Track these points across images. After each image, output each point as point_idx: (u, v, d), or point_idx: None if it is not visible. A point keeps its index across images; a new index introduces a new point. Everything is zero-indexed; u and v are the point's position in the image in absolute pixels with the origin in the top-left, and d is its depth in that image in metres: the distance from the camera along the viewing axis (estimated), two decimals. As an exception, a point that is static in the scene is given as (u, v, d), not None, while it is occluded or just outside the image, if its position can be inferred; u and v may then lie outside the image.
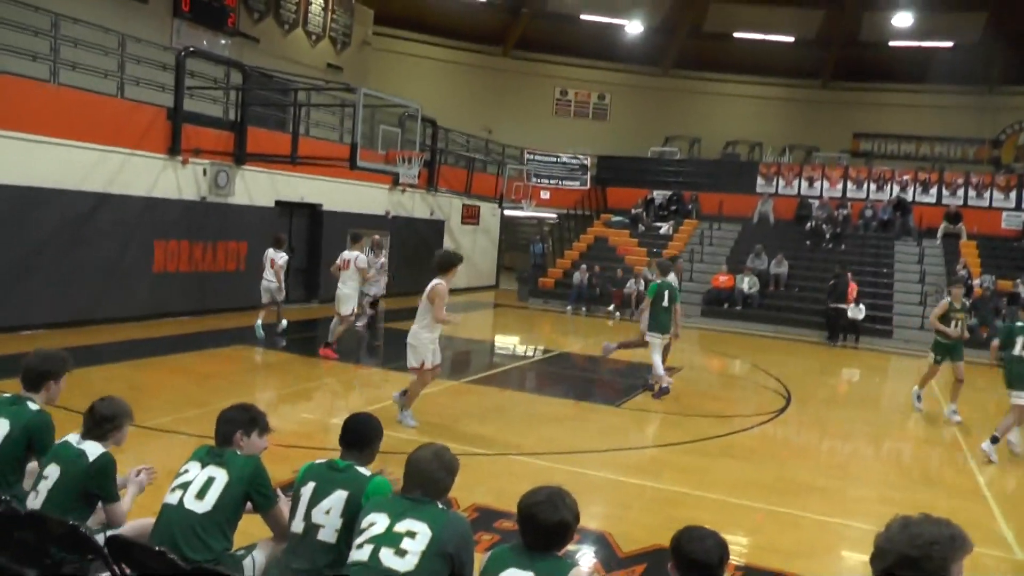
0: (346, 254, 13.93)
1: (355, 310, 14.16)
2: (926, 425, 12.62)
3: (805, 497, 8.15)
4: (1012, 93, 33.39)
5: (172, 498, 4.07)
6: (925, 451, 11.22)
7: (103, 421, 4.42)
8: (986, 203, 27.08)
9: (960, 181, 27.68)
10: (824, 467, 9.67)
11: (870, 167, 29.63)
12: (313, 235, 20.26)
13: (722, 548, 3.37)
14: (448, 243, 25.41)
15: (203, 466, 4.13)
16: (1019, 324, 10.25)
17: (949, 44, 33.37)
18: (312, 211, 20.20)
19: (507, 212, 29.44)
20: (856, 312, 21.12)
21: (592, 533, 6.50)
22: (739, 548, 6.60)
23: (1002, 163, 32.67)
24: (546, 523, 3.32)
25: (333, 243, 18.68)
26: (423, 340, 9.25)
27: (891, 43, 33.36)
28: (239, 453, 4.24)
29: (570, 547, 6.03)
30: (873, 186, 28.14)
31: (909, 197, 27.32)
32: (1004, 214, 26.57)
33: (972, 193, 27.36)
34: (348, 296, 13.71)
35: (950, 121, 33.70)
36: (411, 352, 9.35)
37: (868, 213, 26.83)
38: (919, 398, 13.15)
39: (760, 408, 12.40)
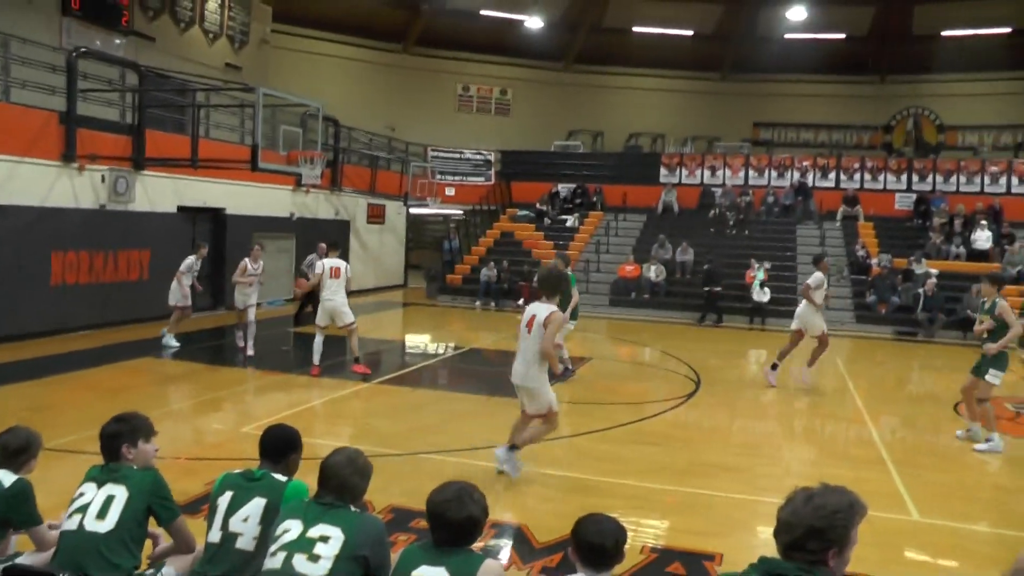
0: (328, 262, 12.67)
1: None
2: (831, 400, 12.91)
3: (717, 477, 8.20)
4: (900, 82, 34.77)
5: (71, 524, 3.90)
6: (831, 426, 11.41)
7: (17, 453, 4.33)
8: (881, 186, 28.05)
9: (856, 166, 28.61)
10: (734, 447, 9.75)
11: (770, 155, 30.37)
12: (218, 240, 19.53)
13: (619, 532, 3.45)
14: (354, 244, 25.09)
15: (99, 485, 3.99)
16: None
17: (841, 36, 34.68)
18: (216, 216, 19.59)
19: (413, 210, 29.16)
20: (761, 295, 21.57)
21: (508, 526, 6.50)
22: (653, 531, 6.67)
23: (894, 148, 33.86)
24: (455, 520, 3.33)
25: (238, 248, 18.21)
26: (541, 380, 7.63)
27: (786, 36, 34.16)
28: (134, 467, 4.11)
29: (488, 541, 6.04)
30: (774, 173, 28.81)
31: (810, 182, 28.08)
32: (897, 196, 27.57)
33: (868, 177, 28.31)
34: (342, 304, 12.53)
35: (845, 109, 34.83)
36: (527, 398, 7.73)
37: (770, 199, 27.45)
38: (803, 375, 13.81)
39: (670, 393, 12.45)
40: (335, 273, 12.53)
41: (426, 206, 28.66)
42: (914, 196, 27.16)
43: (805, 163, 28.76)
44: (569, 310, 12.45)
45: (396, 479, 7.29)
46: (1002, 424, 11.55)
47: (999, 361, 9.58)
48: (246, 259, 14.29)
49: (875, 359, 17.71)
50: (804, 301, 13.66)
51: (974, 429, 10.03)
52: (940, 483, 8.51)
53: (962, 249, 24.08)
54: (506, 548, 6.08)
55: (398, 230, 28.80)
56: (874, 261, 23.19)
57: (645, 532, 6.56)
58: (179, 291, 14.62)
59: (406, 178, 27.50)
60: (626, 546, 3.53)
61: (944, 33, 33.73)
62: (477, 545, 3.59)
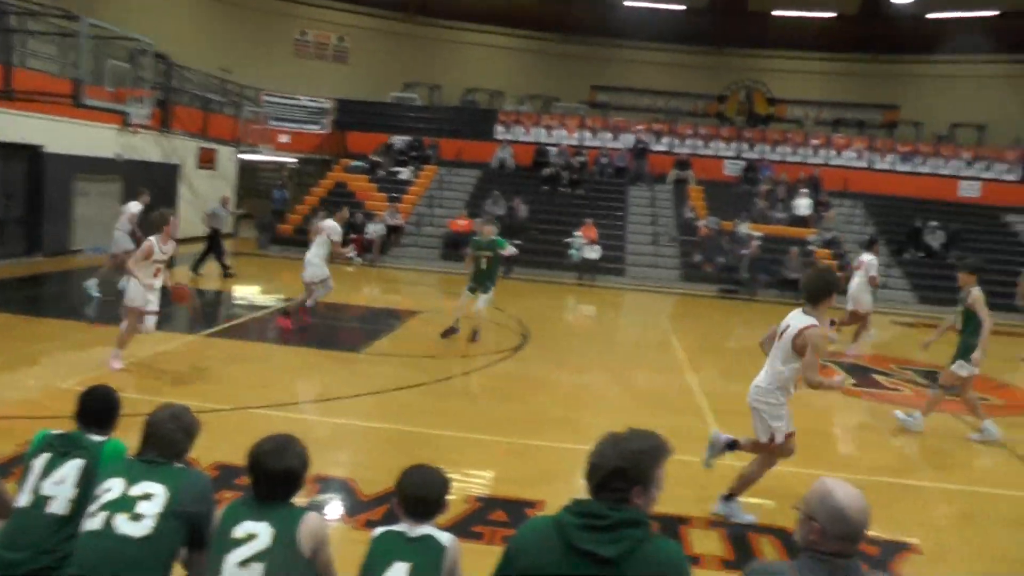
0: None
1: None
2: (655, 353, 13.15)
3: (543, 428, 8.23)
4: (735, 55, 35.79)
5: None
6: (653, 377, 11.54)
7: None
8: (712, 152, 28.89)
9: (690, 132, 29.32)
10: (560, 399, 9.71)
11: (607, 118, 30.72)
12: (34, 181, 17.76)
13: (442, 483, 3.44)
14: (183, 190, 23.80)
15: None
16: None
17: (682, 8, 35.50)
18: (33, 153, 17.71)
19: (245, 156, 27.93)
20: (592, 252, 21.84)
21: (335, 480, 6.32)
22: (479, 481, 6.62)
23: (726, 117, 34.91)
24: (273, 471, 3.25)
25: (58, 189, 16.94)
26: (778, 401, 6.16)
27: (627, 3, 34.55)
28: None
29: (314, 496, 5.85)
30: (609, 135, 29.15)
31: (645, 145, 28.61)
32: (727, 162, 28.46)
33: (700, 143, 29.10)
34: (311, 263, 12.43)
35: (682, 78, 35.47)
36: (758, 419, 6.25)
37: (604, 160, 27.78)
38: None
39: (498, 346, 12.27)
40: (318, 230, 12.61)
41: (259, 153, 27.47)
42: (743, 163, 28.14)
43: (640, 127, 29.23)
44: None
45: (223, 435, 6.83)
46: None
47: (965, 351, 9.01)
48: (152, 239, 9.28)
49: (699, 315, 18.20)
50: (858, 279, 13.85)
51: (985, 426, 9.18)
52: (750, 428, 8.69)
53: (784, 214, 25.12)
54: (332, 502, 5.95)
55: (229, 177, 27.41)
56: (702, 223, 23.84)
57: (471, 482, 6.48)
58: (124, 238, 13.79)
59: (239, 122, 26.30)
60: (449, 496, 3.49)
61: (775, 12, 35.03)
62: (304, 500, 3.33)
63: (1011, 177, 28.32)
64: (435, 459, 3.66)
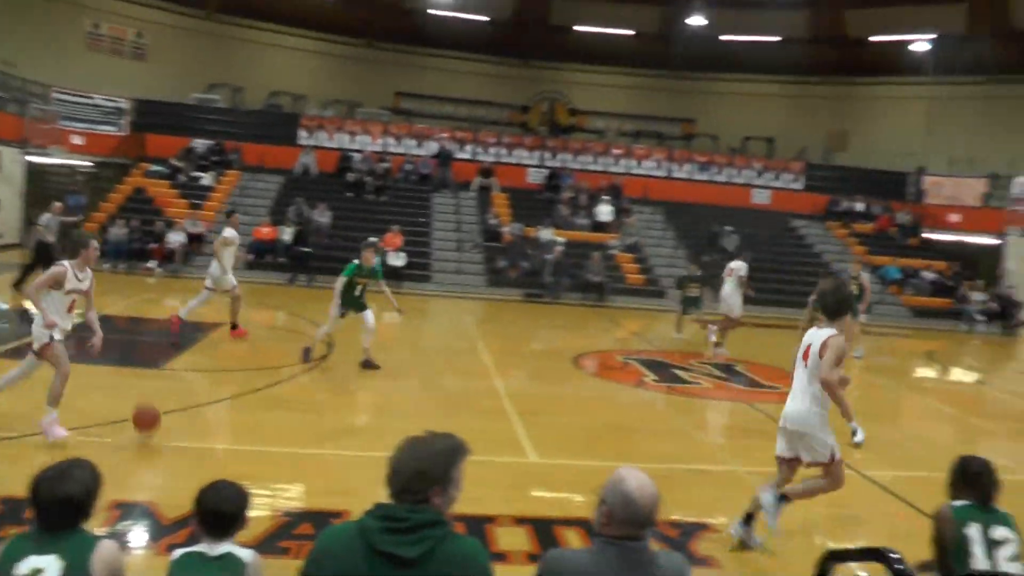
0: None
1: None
2: (463, 359, 13.17)
3: (350, 437, 8.15)
4: (538, 67, 36.63)
5: None
6: (460, 382, 11.51)
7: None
8: (515, 160, 29.38)
9: (494, 140, 29.73)
10: (368, 407, 9.61)
11: (411, 124, 30.67)
12: None
13: (240, 498, 3.35)
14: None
15: None
16: None
17: (486, 19, 35.81)
18: None
19: (33, 159, 26.03)
20: (397, 259, 21.67)
21: (135, 505, 5.92)
22: (286, 495, 6.44)
23: (529, 127, 35.66)
24: (52, 499, 3.01)
25: None
26: (824, 416, 5.82)
27: (430, 11, 34.61)
28: None
29: (113, 523, 5.44)
30: (414, 142, 29.08)
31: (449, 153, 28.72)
32: (530, 170, 29.02)
33: (504, 151, 29.55)
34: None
35: (487, 87, 36.02)
36: (804, 445, 5.87)
37: (408, 167, 27.68)
38: None
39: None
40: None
41: (49, 155, 25.60)
42: (546, 171, 28.76)
43: (444, 135, 29.34)
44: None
45: (12, 464, 6.32)
46: (613, 373, 12.46)
47: None
48: (66, 263, 7.44)
49: (505, 320, 18.38)
50: (729, 285, 14.99)
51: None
52: (557, 427, 8.91)
53: (587, 220, 25.87)
54: (132, 528, 5.59)
55: (14, 181, 25.24)
56: (506, 229, 24.17)
57: (277, 497, 6.28)
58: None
59: (25, 121, 24.49)
60: (249, 511, 3.37)
61: (577, 27, 36.06)
62: (103, 529, 3.05)
63: (796, 186, 30.62)
64: (241, 475, 3.48)
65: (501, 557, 5.36)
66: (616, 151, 30.49)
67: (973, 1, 31.78)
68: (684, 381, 12.38)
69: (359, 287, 11.31)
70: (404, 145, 28.96)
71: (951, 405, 12.98)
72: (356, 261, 11.30)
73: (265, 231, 22.44)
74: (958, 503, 4.23)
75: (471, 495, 5.89)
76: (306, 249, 21.74)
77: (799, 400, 5.92)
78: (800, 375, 5.97)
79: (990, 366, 16.69)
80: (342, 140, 28.66)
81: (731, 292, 15.09)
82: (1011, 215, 26.59)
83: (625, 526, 2.81)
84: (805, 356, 5.93)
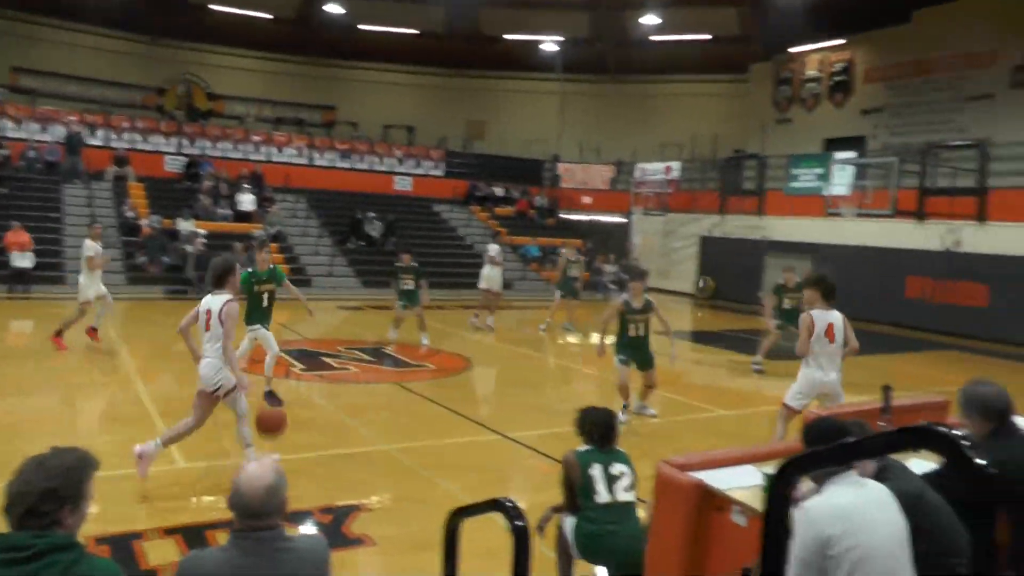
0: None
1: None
2: (103, 365, 12.57)
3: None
4: (172, 46, 34.88)
5: None
6: (102, 391, 11.05)
7: None
8: (152, 147, 28.05)
9: (127, 125, 28.13)
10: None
11: (33, 106, 28.16)
12: None
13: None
14: None
15: None
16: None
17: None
18: None
19: None
20: (24, 260, 19.97)
21: None
22: None
23: (166, 110, 33.95)
24: None
25: None
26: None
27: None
28: None
29: None
30: (37, 126, 26.79)
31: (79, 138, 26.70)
32: (167, 158, 27.89)
33: (139, 137, 28.08)
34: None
35: (116, 66, 33.58)
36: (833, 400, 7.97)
37: (32, 154, 25.44)
38: None
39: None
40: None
41: None
42: (184, 159, 27.71)
43: (72, 118, 27.27)
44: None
45: None
46: (261, 367, 12.46)
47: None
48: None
49: (148, 319, 17.66)
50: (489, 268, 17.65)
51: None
52: (203, 428, 8.68)
53: (229, 211, 25.30)
54: None
55: None
56: (144, 222, 23.09)
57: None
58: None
59: None
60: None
61: (213, 7, 34.74)
62: None
63: (437, 173, 31.87)
64: None
65: (152, 574, 5.34)
66: (256, 138, 30.09)
67: (594, 10, 34.93)
68: (333, 368, 12.72)
69: (264, 295, 10.20)
70: (26, 129, 26.56)
71: (590, 366, 14.35)
72: (252, 268, 10.18)
73: None
74: (582, 448, 5.06)
75: (115, 513, 5.90)
76: None
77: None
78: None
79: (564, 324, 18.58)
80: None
81: (491, 274, 17.84)
82: (635, 197, 30.00)
83: (243, 518, 2.85)
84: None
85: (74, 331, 13.25)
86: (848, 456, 3.17)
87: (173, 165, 27.68)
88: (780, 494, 2.83)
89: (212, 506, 6.52)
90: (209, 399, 7.20)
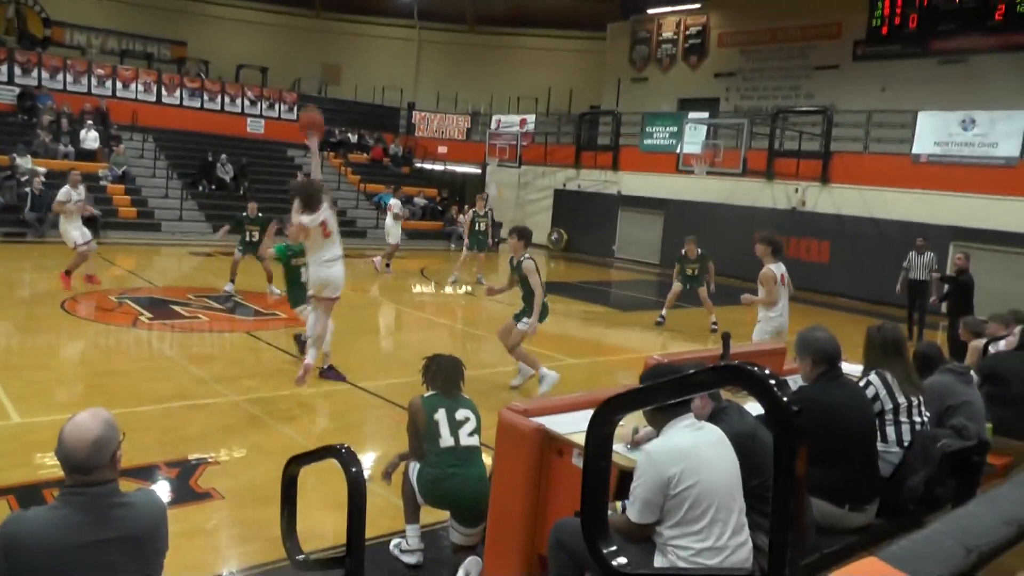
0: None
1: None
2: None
3: None
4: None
5: None
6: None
7: None
8: (-22, 76, 26.30)
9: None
10: None
11: None
12: None
13: None
14: None
15: None
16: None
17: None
18: None
19: None
20: None
21: None
22: None
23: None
24: None
25: None
26: None
27: None
28: None
29: None
30: None
31: None
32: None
33: (-36, 64, 26.26)
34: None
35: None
36: None
37: None
38: None
39: None
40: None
41: None
42: (18, 90, 26.09)
43: None
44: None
45: None
46: (106, 316, 12.17)
47: (522, 314, 9.33)
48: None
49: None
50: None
51: (523, 369, 9.77)
52: (43, 381, 8.66)
53: (71, 148, 24.11)
54: None
55: None
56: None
57: None
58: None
59: None
60: None
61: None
62: None
63: (291, 116, 31.05)
64: None
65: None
66: (100, 71, 28.45)
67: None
68: (183, 316, 12.51)
69: (301, 269, 9.66)
70: None
71: (442, 315, 14.53)
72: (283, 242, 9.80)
73: None
74: (427, 394, 5.25)
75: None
76: None
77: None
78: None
79: (475, 278, 18.82)
80: None
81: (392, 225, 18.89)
82: (490, 148, 29.97)
83: (71, 473, 2.73)
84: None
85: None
86: (667, 395, 3.27)
87: (6, 97, 25.98)
88: (600, 432, 2.87)
89: (51, 463, 6.38)
90: (331, 304, 8.50)
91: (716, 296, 15.00)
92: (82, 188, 14.32)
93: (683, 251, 15.16)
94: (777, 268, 9.19)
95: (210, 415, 7.93)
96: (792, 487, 2.27)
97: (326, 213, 8.14)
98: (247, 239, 14.87)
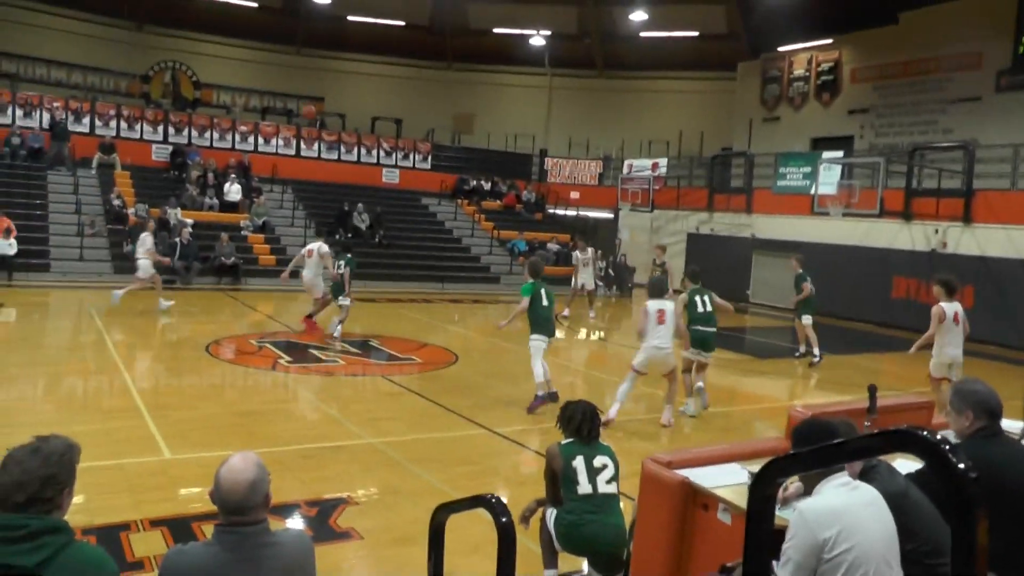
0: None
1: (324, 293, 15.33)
2: (88, 355, 12.52)
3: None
4: (157, 33, 34.71)
5: None
6: (87, 381, 10.98)
7: None
8: (138, 135, 27.85)
9: (113, 112, 27.82)
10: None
11: (15, 91, 27.84)
12: None
13: None
14: None
15: None
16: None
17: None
18: None
19: None
20: (7, 247, 19.83)
21: None
22: None
23: (152, 98, 33.65)
24: None
25: None
26: None
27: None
28: None
29: None
30: (20, 112, 26.55)
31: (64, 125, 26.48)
32: (154, 146, 27.70)
33: (124, 125, 27.82)
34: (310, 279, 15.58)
35: (101, 52, 33.25)
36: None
37: (16, 141, 25.21)
38: None
39: None
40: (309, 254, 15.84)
41: None
42: (171, 148, 27.57)
43: (56, 104, 27.03)
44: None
45: None
46: (247, 359, 12.49)
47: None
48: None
49: (134, 309, 17.54)
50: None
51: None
52: (191, 419, 8.93)
53: (215, 200, 25.20)
54: None
55: None
56: (131, 211, 22.96)
57: None
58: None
59: None
60: None
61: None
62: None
63: (425, 166, 31.82)
64: None
65: (139, 565, 5.29)
66: (243, 128, 29.87)
67: (582, 6, 34.98)
68: (320, 360, 12.71)
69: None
70: (9, 115, 26.31)
71: (577, 363, 14.38)
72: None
73: None
74: (565, 441, 5.14)
75: (100, 504, 5.90)
76: None
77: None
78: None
79: (609, 324, 18.64)
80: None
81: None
82: (622, 192, 29.84)
83: (225, 513, 2.84)
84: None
85: (74, 319, 13.19)
86: (830, 460, 3.13)
87: (160, 154, 27.52)
88: (762, 494, 2.83)
89: (198, 498, 6.50)
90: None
91: (852, 342, 14.51)
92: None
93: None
94: (950, 307, 9.86)
95: (347, 456, 7.98)
96: (973, 560, 2.07)
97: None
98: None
